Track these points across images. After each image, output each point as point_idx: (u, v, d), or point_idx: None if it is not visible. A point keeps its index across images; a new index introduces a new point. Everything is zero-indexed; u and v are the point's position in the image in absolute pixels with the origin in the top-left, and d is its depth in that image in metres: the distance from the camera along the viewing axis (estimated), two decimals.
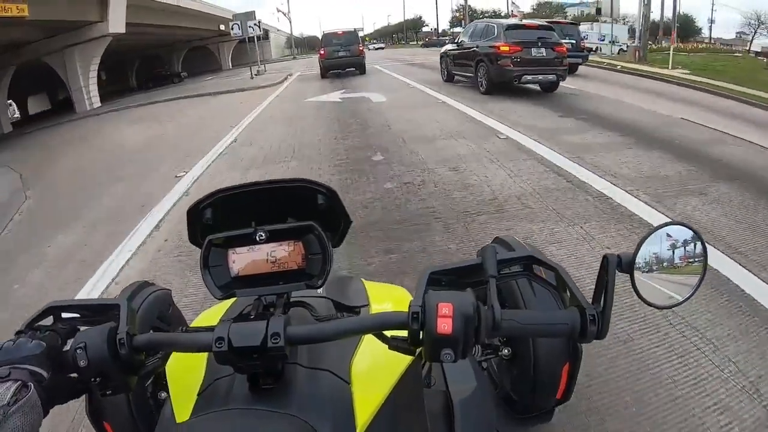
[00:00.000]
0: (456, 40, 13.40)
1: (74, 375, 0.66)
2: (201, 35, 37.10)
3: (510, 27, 10.99)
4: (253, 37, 21.83)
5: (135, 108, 16.84)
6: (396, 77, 16.82)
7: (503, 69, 10.45)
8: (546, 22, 13.01)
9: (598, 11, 31.04)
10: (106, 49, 20.83)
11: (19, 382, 0.58)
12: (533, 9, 73.00)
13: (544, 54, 10.44)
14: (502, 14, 70.88)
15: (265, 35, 57.66)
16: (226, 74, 29.00)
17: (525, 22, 12.39)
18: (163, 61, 43.66)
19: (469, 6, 75.89)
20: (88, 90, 20.93)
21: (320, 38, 18.85)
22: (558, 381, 1.37)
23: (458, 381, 1.07)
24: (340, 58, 17.88)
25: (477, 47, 11.44)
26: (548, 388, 1.39)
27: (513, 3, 69.54)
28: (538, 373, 1.37)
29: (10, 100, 25.41)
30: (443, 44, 17.69)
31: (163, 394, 1.16)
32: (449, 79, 13.89)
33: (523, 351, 1.40)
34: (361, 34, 20.36)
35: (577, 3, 68.34)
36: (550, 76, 10.62)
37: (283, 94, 14.97)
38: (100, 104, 20.95)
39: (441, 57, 14.39)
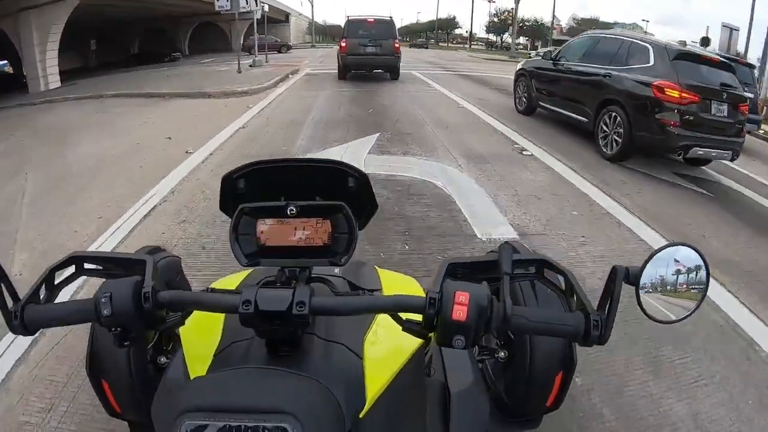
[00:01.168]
0: (553, 56, 8.11)
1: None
2: (195, 9, 32.10)
3: (682, 55, 5.97)
4: (250, 14, 16.68)
5: (64, 104, 11.68)
6: (442, 91, 11.76)
7: (663, 128, 5.68)
8: (719, 55, 7.39)
9: (705, 42, 22.99)
10: (104, 16, 15.71)
11: None
12: (576, 22, 67.17)
13: (725, 113, 5.86)
14: (545, 24, 65.88)
15: (285, 18, 53.71)
16: (230, 57, 23.61)
17: (701, 51, 7.09)
18: (167, 36, 39.75)
19: (507, 11, 70.73)
20: (44, 66, 16.07)
21: (343, 25, 13.72)
22: (550, 388, 1.37)
23: (456, 374, 1.11)
24: (367, 55, 12.71)
25: (606, 77, 6.44)
26: (540, 394, 1.39)
27: (554, 16, 64.54)
28: (532, 378, 1.37)
29: None
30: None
31: (163, 359, 1.30)
32: (529, 110, 8.80)
33: (520, 355, 1.40)
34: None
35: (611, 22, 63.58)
36: (726, 153, 5.95)
37: (264, 115, 8.45)
38: (59, 84, 16.18)
39: (518, 76, 9.19)
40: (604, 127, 6.29)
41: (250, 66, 17.22)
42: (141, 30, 36.59)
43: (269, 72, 14.97)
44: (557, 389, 1.37)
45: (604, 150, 6.22)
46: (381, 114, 8.45)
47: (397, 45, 12.86)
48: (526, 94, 8.78)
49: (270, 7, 46.75)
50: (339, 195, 0.85)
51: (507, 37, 70.02)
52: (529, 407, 1.45)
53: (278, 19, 51.93)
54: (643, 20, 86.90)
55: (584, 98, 6.87)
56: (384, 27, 12.92)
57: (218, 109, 9.15)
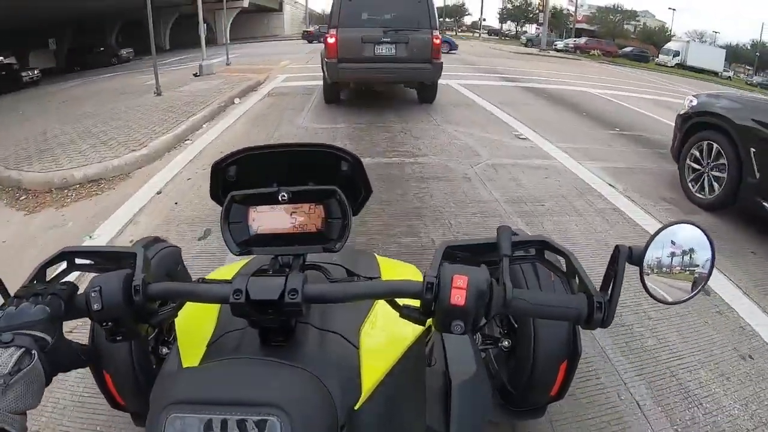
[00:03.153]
0: None
1: (77, 343, 0.68)
2: None
3: None
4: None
5: None
6: (528, 138, 5.73)
7: None
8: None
9: None
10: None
11: (23, 349, 0.57)
12: (592, 14, 60.35)
13: None
14: (564, 11, 59.27)
15: (279, 7, 47.96)
16: (206, 55, 17.13)
17: None
18: (146, 29, 34.10)
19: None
20: None
21: (332, 4, 7.00)
22: (555, 378, 1.36)
23: (458, 363, 1.10)
24: (379, 61, 6.60)
25: None
26: (544, 383, 1.38)
27: (570, 1, 57.79)
28: (536, 367, 1.35)
29: None
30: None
31: (165, 350, 1.34)
32: (721, 203, 3.71)
33: (523, 344, 1.38)
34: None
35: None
36: None
37: None
38: None
39: (691, 127, 4.09)
40: None
41: (195, 75, 11.10)
42: (120, 24, 33.51)
43: (211, 90, 8.82)
44: (562, 378, 1.37)
45: None
46: (415, 212, 3.53)
47: (437, 41, 6.64)
48: (720, 174, 3.71)
49: None
50: (332, 180, 0.82)
51: (525, 27, 63.66)
52: (534, 397, 1.43)
53: (271, 7, 46.64)
54: (670, 8, 79.03)
55: None
56: (410, 6, 6.68)
57: None
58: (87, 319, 0.69)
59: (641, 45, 47.71)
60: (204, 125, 6.25)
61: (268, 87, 9.44)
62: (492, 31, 66.53)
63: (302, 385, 0.62)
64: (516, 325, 1.47)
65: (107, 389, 1.29)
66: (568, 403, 1.72)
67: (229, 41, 37.06)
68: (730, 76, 41.97)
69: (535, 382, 1.38)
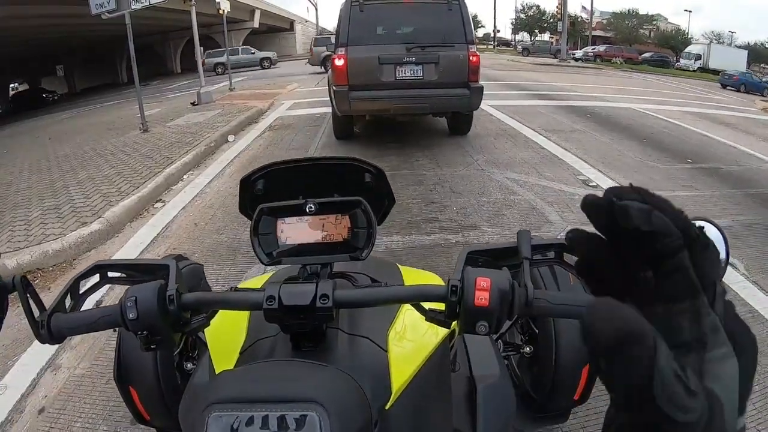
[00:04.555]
0: None
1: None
2: (181, 22, 26.28)
3: None
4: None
5: None
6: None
7: None
8: None
9: None
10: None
11: None
12: (607, 20, 58.81)
13: None
14: (578, 18, 57.83)
15: (290, 26, 47.47)
16: (212, 78, 15.75)
17: None
18: (157, 54, 36.03)
19: (536, 6, 62.85)
20: None
21: (339, 17, 5.65)
22: (577, 382, 1.38)
23: (482, 368, 1.11)
24: (400, 88, 5.25)
25: None
26: (567, 388, 1.40)
27: (583, 8, 56.33)
28: (558, 372, 1.37)
29: None
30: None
31: (189, 365, 1.38)
32: None
33: (545, 350, 1.41)
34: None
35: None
36: None
37: None
38: None
39: None
40: None
41: (192, 104, 9.98)
42: (128, 47, 33.06)
43: (205, 123, 7.64)
44: (584, 382, 1.38)
45: None
46: None
47: (475, 59, 5.29)
48: None
49: (273, 14, 40.79)
50: (357, 191, 0.85)
51: (539, 37, 62.28)
52: (557, 402, 1.44)
53: (282, 27, 46.36)
54: (686, 10, 76.71)
55: None
56: (439, 15, 5.35)
57: None
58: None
59: (659, 50, 46.12)
60: (185, 176, 5.03)
61: (272, 117, 8.24)
62: (501, 42, 65.28)
63: (338, 382, 0.64)
64: (537, 332, 1.48)
65: (133, 404, 1.33)
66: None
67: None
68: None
69: (558, 387, 1.39)
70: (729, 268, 2.87)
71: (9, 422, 1.91)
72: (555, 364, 1.37)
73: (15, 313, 2.70)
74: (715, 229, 0.70)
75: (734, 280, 2.76)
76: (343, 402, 0.60)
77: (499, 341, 1.59)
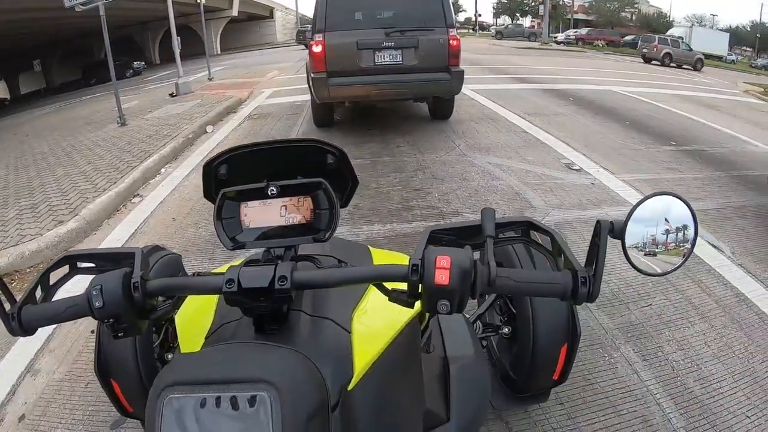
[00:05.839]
0: None
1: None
2: (155, 11, 25.71)
3: None
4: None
5: None
6: None
7: None
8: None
9: None
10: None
11: None
12: (589, 3, 58.65)
13: None
14: (561, 2, 57.64)
15: (270, 14, 46.81)
16: (193, 67, 14.92)
17: None
18: (135, 44, 35.16)
19: None
20: None
21: (316, 3, 5.35)
22: (556, 361, 1.40)
23: (456, 349, 1.12)
24: (380, 73, 5.17)
25: None
26: (546, 368, 1.42)
27: None
28: (536, 352, 1.39)
29: None
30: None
31: (170, 356, 1.40)
32: None
33: (523, 330, 1.42)
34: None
35: None
36: None
37: None
38: None
39: None
40: None
41: (171, 96, 9.77)
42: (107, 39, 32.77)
43: (183, 114, 7.46)
44: (563, 362, 1.40)
45: None
46: None
47: (455, 43, 5.19)
48: None
49: (252, 2, 40.03)
50: (319, 173, 0.85)
51: (521, 21, 62.00)
52: (537, 382, 1.47)
53: (262, 15, 45.59)
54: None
55: None
56: (418, 1, 5.25)
57: None
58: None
59: (641, 32, 46.32)
60: (163, 169, 4.91)
61: (251, 106, 8.08)
62: (483, 27, 64.92)
63: (292, 363, 0.63)
64: (515, 311, 1.50)
65: (116, 397, 1.33)
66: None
67: (219, 52, 36.37)
68: (734, 60, 40.40)
69: (537, 367, 1.41)
70: (715, 251, 2.88)
71: None
72: (533, 343, 1.38)
73: None
74: (683, 203, 0.69)
75: (720, 263, 2.75)
76: (297, 382, 0.59)
77: (478, 322, 1.61)
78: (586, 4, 58.58)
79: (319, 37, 5.07)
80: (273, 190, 0.81)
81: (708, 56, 33.73)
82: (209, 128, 6.47)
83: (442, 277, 0.63)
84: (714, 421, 1.70)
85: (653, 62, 20.92)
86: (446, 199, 3.67)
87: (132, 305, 0.68)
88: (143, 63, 27.01)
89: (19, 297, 0.71)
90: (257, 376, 0.58)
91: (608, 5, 56.85)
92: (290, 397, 0.56)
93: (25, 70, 32.04)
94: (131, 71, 24.47)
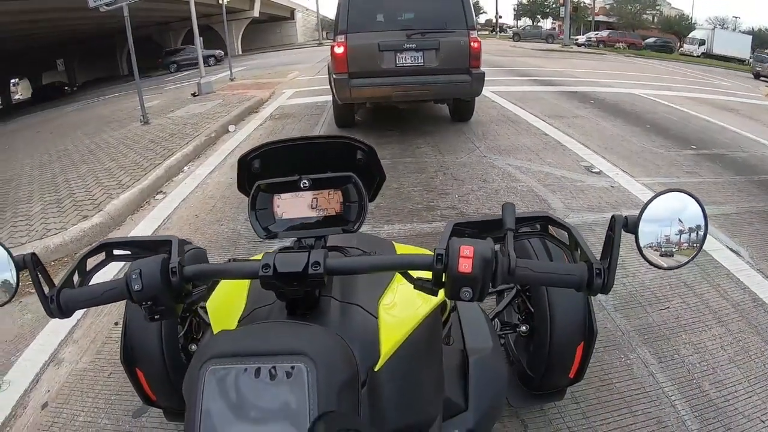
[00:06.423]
0: None
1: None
2: (178, 12, 26.04)
3: None
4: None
5: None
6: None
7: None
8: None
9: None
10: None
11: None
12: (610, 5, 57.70)
13: None
14: (581, 3, 56.97)
15: (291, 15, 47.19)
16: (215, 68, 15.10)
17: None
18: (157, 45, 34.80)
19: None
20: None
21: (338, 4, 5.49)
22: (572, 360, 1.41)
23: (476, 342, 1.16)
24: (401, 73, 5.22)
25: None
26: (563, 366, 1.43)
27: None
28: (553, 351, 1.40)
29: None
30: None
31: (194, 347, 1.45)
32: None
33: (541, 328, 1.43)
34: None
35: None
36: None
37: None
38: None
39: None
40: None
41: (193, 95, 9.95)
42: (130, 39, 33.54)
43: (205, 114, 7.62)
44: (579, 361, 1.41)
45: None
46: None
47: (476, 45, 5.25)
48: None
49: (273, 3, 40.41)
50: (349, 168, 0.87)
51: (542, 23, 61.45)
52: (553, 380, 1.48)
53: (283, 16, 45.92)
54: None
55: None
56: (439, 3, 5.31)
57: None
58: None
59: (663, 35, 45.49)
60: (186, 167, 5.03)
61: (272, 106, 8.21)
62: (503, 28, 64.50)
63: (325, 339, 0.66)
64: (533, 310, 1.51)
65: (140, 386, 1.36)
66: None
67: (240, 52, 36.59)
68: None
69: (554, 365, 1.43)
70: (733, 255, 2.86)
71: (13, 417, 1.92)
72: (550, 342, 1.39)
73: (17, 308, 2.71)
74: (694, 201, 0.71)
75: (738, 267, 2.73)
76: (331, 356, 0.62)
77: (496, 320, 1.63)
78: (608, 6, 57.87)
79: (341, 38, 5.16)
80: (305, 183, 0.84)
81: (729, 59, 33.10)
82: (231, 128, 6.60)
83: (465, 266, 0.66)
84: (729, 425, 1.71)
85: (761, 78, 20.93)
86: (466, 200, 3.71)
87: (170, 289, 0.71)
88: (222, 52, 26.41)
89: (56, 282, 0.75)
90: (295, 349, 0.61)
91: (630, 7, 56.02)
92: (325, 370, 0.59)
93: (47, 69, 32.84)
94: (213, 58, 25.89)
